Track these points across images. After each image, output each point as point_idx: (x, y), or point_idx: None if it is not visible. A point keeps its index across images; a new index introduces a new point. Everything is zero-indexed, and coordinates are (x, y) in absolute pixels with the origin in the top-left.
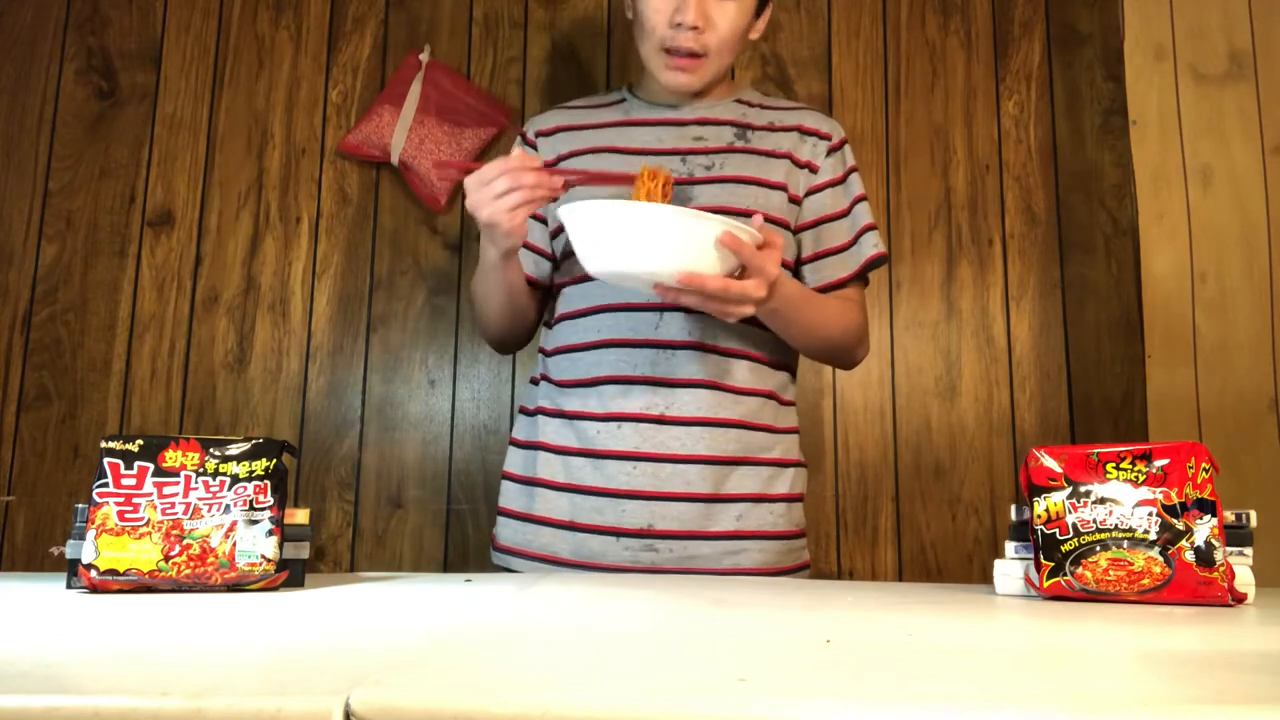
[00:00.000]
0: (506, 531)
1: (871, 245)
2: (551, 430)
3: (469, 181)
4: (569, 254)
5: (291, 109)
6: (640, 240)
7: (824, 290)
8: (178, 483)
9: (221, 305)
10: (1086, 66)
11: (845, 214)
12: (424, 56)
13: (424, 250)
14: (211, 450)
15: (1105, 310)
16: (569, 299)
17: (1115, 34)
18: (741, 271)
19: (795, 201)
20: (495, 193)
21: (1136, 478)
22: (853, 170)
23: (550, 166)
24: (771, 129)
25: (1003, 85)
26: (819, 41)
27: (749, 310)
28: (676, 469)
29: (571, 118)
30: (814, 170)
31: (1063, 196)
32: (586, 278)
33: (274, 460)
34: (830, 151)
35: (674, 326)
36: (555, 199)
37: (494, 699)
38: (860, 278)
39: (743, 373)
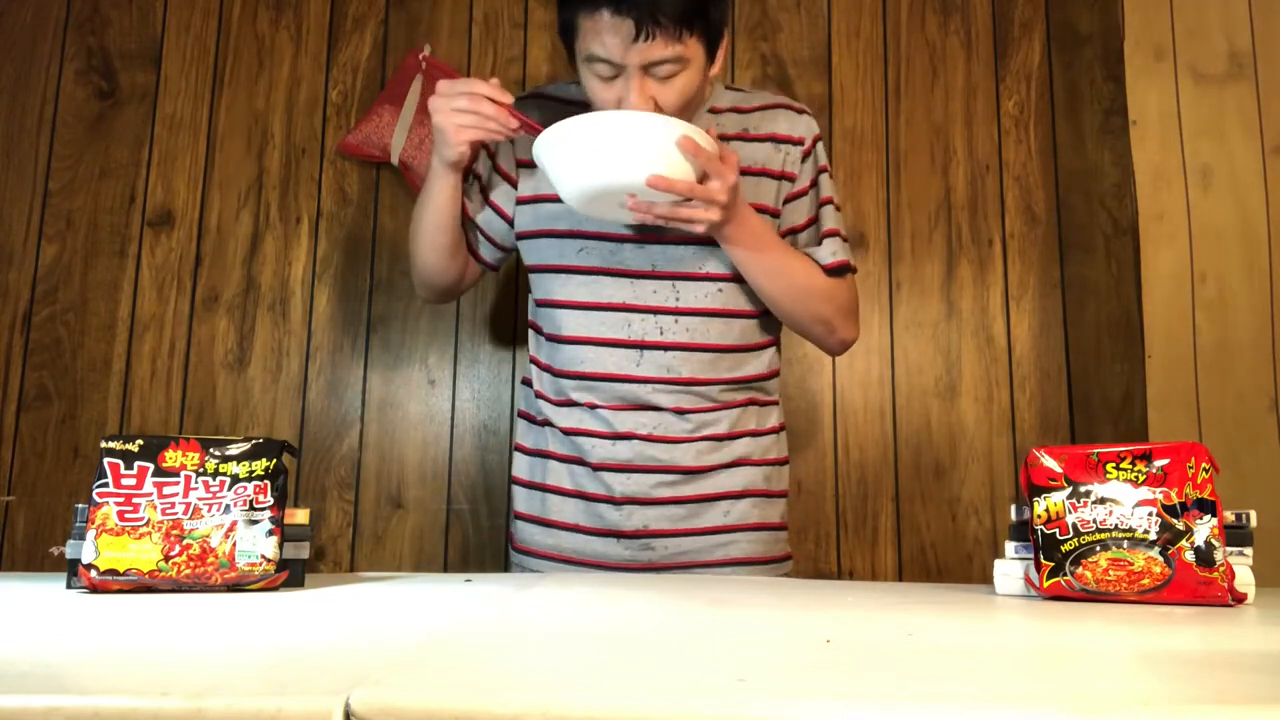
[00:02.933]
0: (523, 534)
1: (830, 253)
2: (557, 443)
3: (440, 83)
4: (541, 269)
5: (291, 109)
6: (610, 149)
7: None
8: (178, 483)
9: (221, 305)
10: (1086, 66)
11: (813, 221)
12: (424, 56)
13: None
14: (211, 450)
15: (1105, 310)
16: (547, 320)
17: (1115, 34)
18: (703, 178)
19: (775, 215)
20: (453, 107)
21: (1136, 478)
22: (822, 171)
23: (522, 123)
24: (745, 138)
25: (1003, 85)
26: (819, 41)
27: (715, 216)
28: (664, 478)
29: (551, 117)
30: (791, 179)
31: (1063, 196)
32: (559, 302)
33: (274, 460)
34: (804, 156)
35: (654, 363)
36: (506, 137)
37: (494, 699)
38: (836, 274)
39: (724, 392)
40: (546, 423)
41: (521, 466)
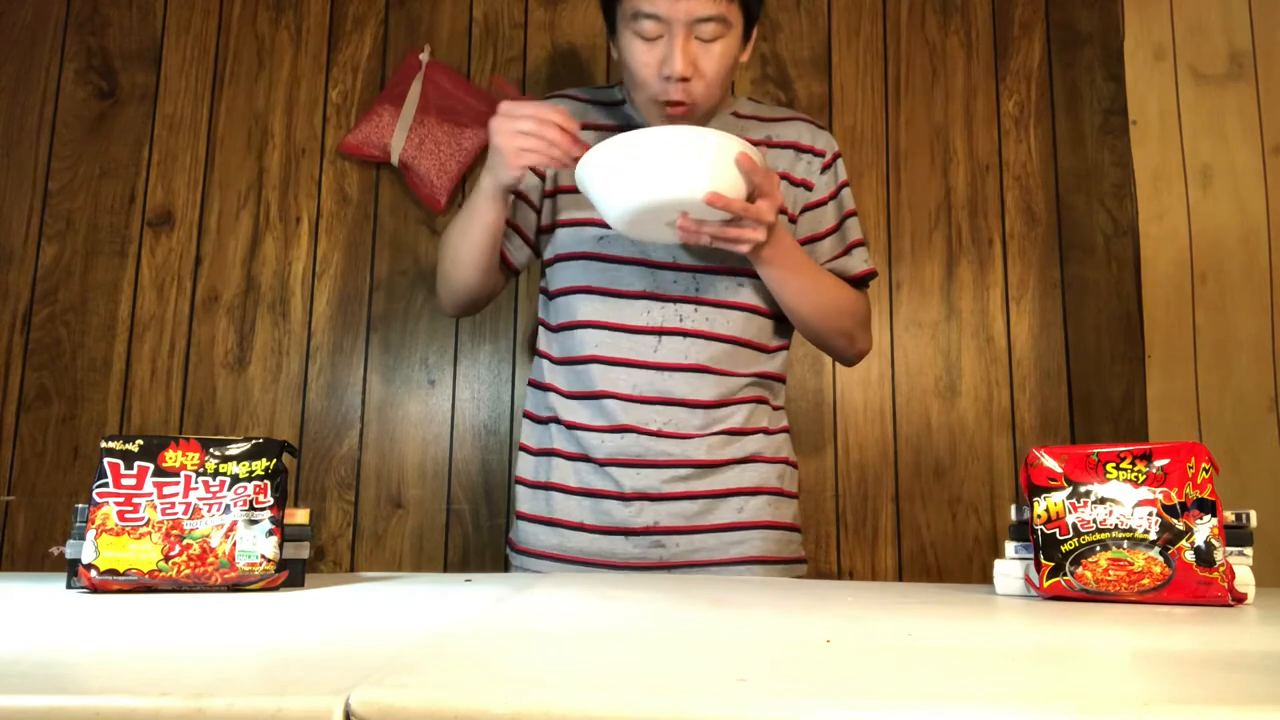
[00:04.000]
0: (526, 535)
1: (861, 261)
2: (563, 439)
3: (504, 104)
4: (558, 258)
5: (291, 109)
6: (669, 162)
7: None
8: (178, 483)
9: (221, 305)
10: (1086, 66)
11: (835, 230)
12: (424, 56)
13: (424, 250)
14: (211, 450)
15: (1105, 310)
16: (563, 309)
17: (1115, 34)
18: (751, 196)
19: (793, 220)
20: (517, 129)
21: (1136, 478)
22: (844, 185)
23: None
24: (769, 144)
25: (1003, 85)
26: (819, 41)
27: (760, 236)
28: (677, 473)
29: (578, 113)
30: (809, 188)
31: (1063, 196)
32: (578, 288)
33: (274, 460)
34: (824, 168)
35: (672, 349)
36: (566, 165)
37: (494, 699)
38: (855, 285)
39: (739, 386)
40: (552, 419)
41: (526, 467)
